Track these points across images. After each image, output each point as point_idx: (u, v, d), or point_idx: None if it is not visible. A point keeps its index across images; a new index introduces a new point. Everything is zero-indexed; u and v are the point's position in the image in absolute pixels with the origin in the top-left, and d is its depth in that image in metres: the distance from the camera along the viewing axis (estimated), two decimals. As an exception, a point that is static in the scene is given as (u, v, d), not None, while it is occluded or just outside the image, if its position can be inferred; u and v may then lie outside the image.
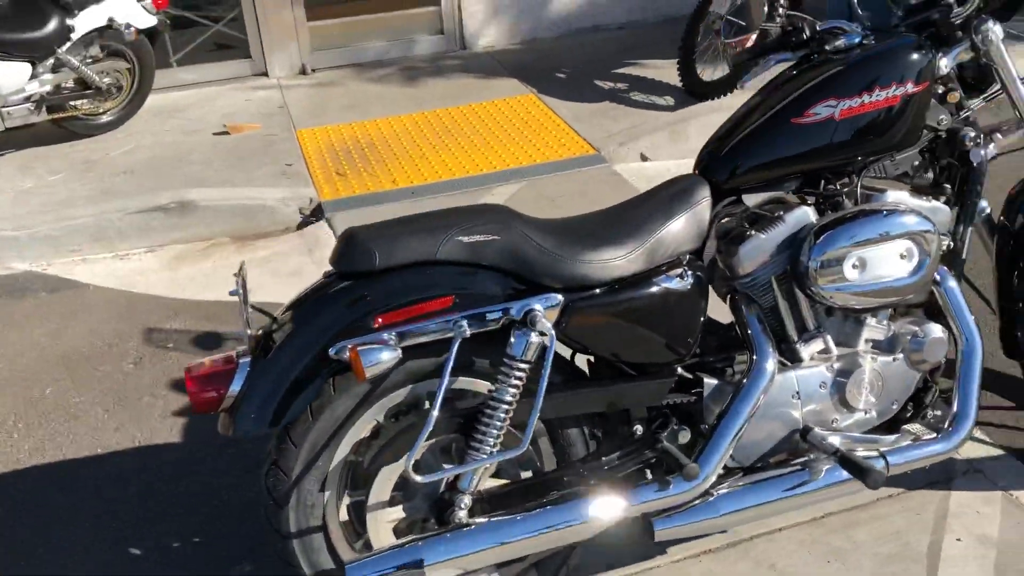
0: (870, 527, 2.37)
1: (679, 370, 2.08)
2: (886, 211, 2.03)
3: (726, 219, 2.11)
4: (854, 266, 2.00)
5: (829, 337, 2.13)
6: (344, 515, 2.01)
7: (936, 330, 2.15)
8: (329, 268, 1.93)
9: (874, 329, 2.16)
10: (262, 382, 1.82)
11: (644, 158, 4.68)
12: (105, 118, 5.19)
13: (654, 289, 1.96)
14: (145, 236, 4.21)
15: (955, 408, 2.16)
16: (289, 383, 1.82)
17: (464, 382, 1.95)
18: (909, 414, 2.25)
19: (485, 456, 1.88)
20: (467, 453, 1.90)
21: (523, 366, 1.86)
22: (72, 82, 4.96)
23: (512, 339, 1.86)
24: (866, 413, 2.16)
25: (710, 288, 2.10)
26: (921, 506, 2.42)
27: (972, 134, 2.17)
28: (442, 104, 5.37)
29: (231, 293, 1.87)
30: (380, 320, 1.83)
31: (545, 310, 1.88)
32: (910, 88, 2.04)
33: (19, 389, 3.22)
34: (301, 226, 4.34)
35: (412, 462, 1.80)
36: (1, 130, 4.71)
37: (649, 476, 2.04)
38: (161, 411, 3.05)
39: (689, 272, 2.00)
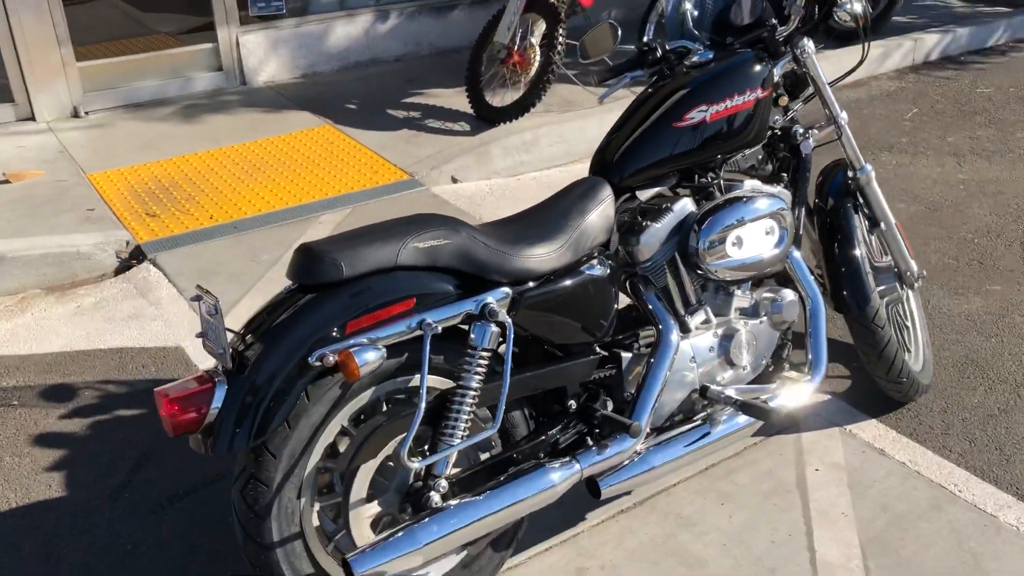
0: (747, 471, 2.76)
1: (598, 349, 2.35)
2: (750, 196, 2.42)
3: (623, 214, 2.42)
4: (734, 244, 2.38)
5: (708, 308, 2.49)
6: (316, 520, 2.08)
7: (790, 294, 2.58)
8: (289, 283, 2.01)
9: (741, 299, 2.55)
10: (242, 398, 1.87)
11: (455, 180, 4.94)
12: None
13: (581, 278, 2.22)
14: (-54, 295, 3.88)
15: (811, 354, 2.60)
16: (270, 396, 1.89)
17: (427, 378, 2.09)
18: (771, 368, 2.67)
19: (459, 440, 2.04)
20: (440, 441, 2.05)
21: (486, 355, 2.05)
22: None
23: (472, 332, 2.05)
24: (744, 370, 2.55)
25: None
26: (781, 448, 2.85)
27: (801, 131, 2.63)
28: (238, 139, 5.34)
29: (205, 312, 1.88)
30: (350, 327, 1.94)
31: (498, 303, 2.08)
32: (760, 93, 2.45)
33: None
34: (119, 271, 4.18)
35: (406, 449, 1.93)
36: None
37: (590, 443, 2.28)
38: (30, 469, 2.88)
39: (603, 261, 2.28)
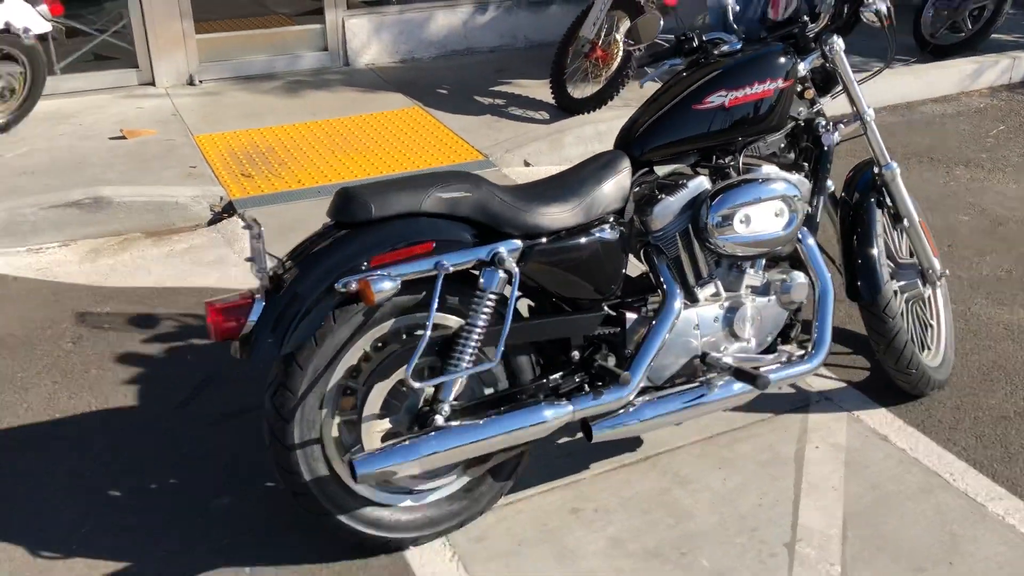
0: (749, 443, 2.92)
1: (606, 308, 2.56)
2: (764, 179, 2.59)
3: (641, 186, 2.63)
4: (741, 221, 2.56)
5: (719, 283, 2.67)
6: (336, 432, 2.36)
7: (800, 276, 2.74)
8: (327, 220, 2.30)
9: (752, 277, 2.72)
10: (277, 313, 2.17)
11: (527, 163, 5.20)
12: (-4, 121, 5.24)
13: (590, 238, 2.44)
14: (59, 231, 4.35)
15: (815, 336, 2.75)
16: (299, 314, 2.18)
17: (437, 317, 2.36)
18: (779, 344, 2.83)
19: (464, 369, 2.29)
20: (447, 368, 2.31)
21: (493, 297, 2.30)
22: (-36, 84, 5.01)
23: (482, 277, 2.29)
24: (748, 342, 2.72)
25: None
26: (787, 426, 3.00)
27: (823, 123, 2.79)
28: (334, 115, 5.73)
29: (252, 236, 2.18)
30: (374, 261, 2.22)
31: (508, 253, 2.32)
32: (780, 83, 2.62)
33: (-40, 368, 3.35)
34: (212, 222, 4.59)
35: (411, 371, 2.19)
36: None
37: (587, 389, 2.50)
38: (112, 381, 3.27)
39: (615, 226, 2.49)
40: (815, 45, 2.75)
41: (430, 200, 2.27)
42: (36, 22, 5.15)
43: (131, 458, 2.88)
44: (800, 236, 2.76)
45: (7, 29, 4.98)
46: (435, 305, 2.22)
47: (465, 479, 2.50)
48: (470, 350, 2.30)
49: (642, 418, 2.51)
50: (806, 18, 2.74)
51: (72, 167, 4.86)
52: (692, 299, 2.64)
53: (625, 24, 5.63)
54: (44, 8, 5.22)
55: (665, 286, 2.57)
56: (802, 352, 2.75)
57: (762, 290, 2.74)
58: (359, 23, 6.57)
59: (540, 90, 6.06)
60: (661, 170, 2.64)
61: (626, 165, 2.55)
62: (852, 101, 2.87)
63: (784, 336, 2.83)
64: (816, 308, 2.77)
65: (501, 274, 2.29)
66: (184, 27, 6.13)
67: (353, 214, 2.24)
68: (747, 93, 2.59)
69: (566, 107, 5.77)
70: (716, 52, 2.72)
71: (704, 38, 2.81)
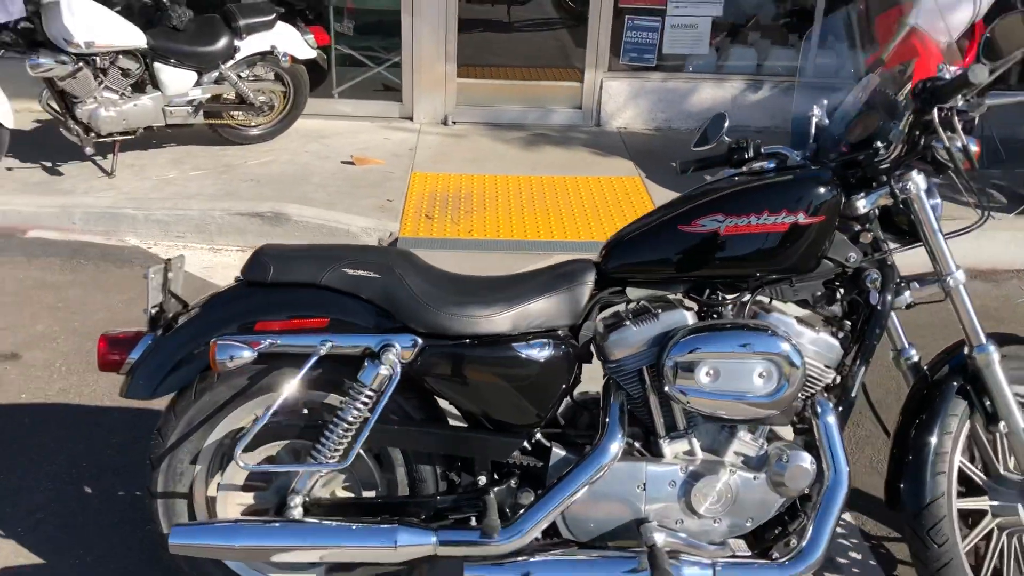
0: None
1: (537, 435, 2.22)
2: (753, 329, 2.09)
3: (614, 307, 2.24)
4: (708, 374, 2.08)
5: (696, 440, 2.20)
6: (212, 491, 2.27)
7: (803, 458, 2.17)
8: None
9: (745, 444, 2.21)
10: (155, 356, 2.13)
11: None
12: (255, 131, 5.83)
13: (507, 353, 2.12)
14: (240, 236, 4.73)
15: (803, 542, 2.15)
16: (175, 362, 2.12)
17: (333, 398, 2.18)
18: (769, 537, 2.26)
19: (315, 463, 2.10)
20: (305, 458, 2.13)
21: (369, 393, 2.08)
22: (232, 95, 5.62)
23: (364, 367, 2.08)
24: (714, 522, 2.20)
25: (581, 366, 2.23)
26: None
27: (875, 276, 2.19)
28: (552, 172, 5.65)
29: (144, 276, 2.18)
30: (259, 325, 2.10)
31: (403, 349, 2.09)
32: (801, 218, 2.10)
33: (80, 340, 3.73)
34: (377, 256, 4.71)
35: (241, 449, 2.05)
36: (162, 124, 5.40)
37: (473, 523, 2.17)
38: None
39: (552, 345, 2.15)
40: (886, 179, 2.18)
41: (333, 275, 2.12)
42: (301, 49, 5.67)
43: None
44: (819, 410, 2.19)
45: (272, 51, 5.53)
46: (293, 384, 2.06)
47: (325, 581, 2.29)
48: (333, 443, 2.10)
49: None
50: (879, 144, 2.18)
51: (291, 181, 5.26)
52: (655, 452, 2.21)
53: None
54: (311, 37, 5.73)
55: (606, 424, 2.16)
56: (781, 556, 2.18)
57: (754, 463, 2.22)
58: (617, 86, 6.44)
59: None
60: (632, 292, 2.23)
61: (589, 278, 2.19)
62: (932, 256, 2.23)
63: (775, 525, 2.26)
64: (817, 504, 2.18)
65: (383, 370, 2.07)
66: (447, 70, 6.41)
67: (252, 273, 2.15)
68: (750, 223, 2.11)
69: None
70: (746, 168, 2.26)
71: (762, 151, 2.34)
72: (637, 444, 2.25)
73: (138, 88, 5.27)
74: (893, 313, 2.31)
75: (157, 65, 5.24)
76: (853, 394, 2.24)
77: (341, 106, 6.53)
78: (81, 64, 4.94)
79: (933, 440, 2.23)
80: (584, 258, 2.27)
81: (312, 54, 5.75)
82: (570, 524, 2.19)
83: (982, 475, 2.34)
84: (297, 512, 2.15)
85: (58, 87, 4.99)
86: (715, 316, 2.20)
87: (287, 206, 4.82)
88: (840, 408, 2.24)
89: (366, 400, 2.09)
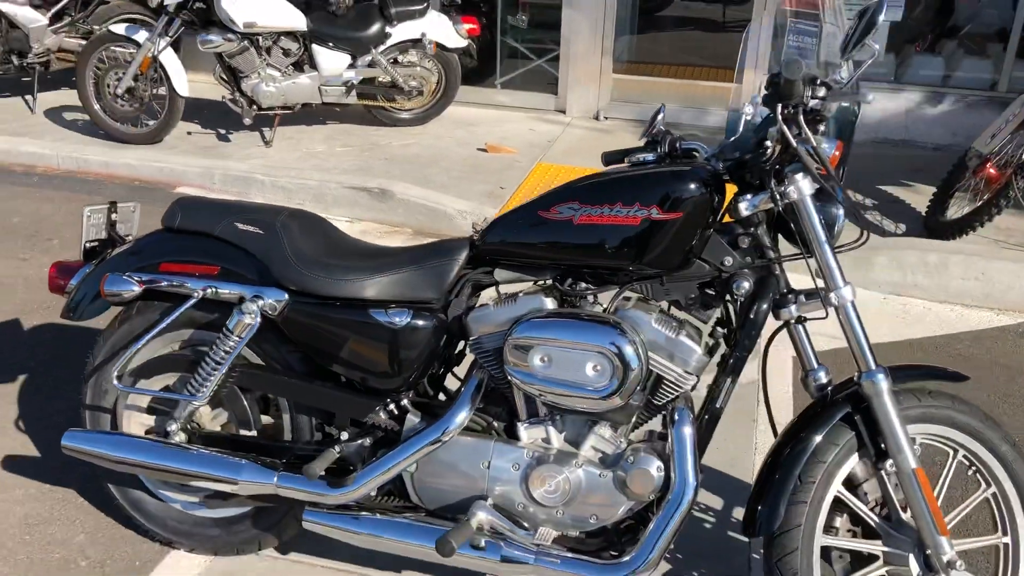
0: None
1: (404, 401, 2.28)
2: (596, 322, 2.04)
3: (484, 286, 2.26)
4: (541, 359, 2.05)
5: (553, 429, 2.17)
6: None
7: (649, 463, 2.08)
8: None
9: (603, 441, 2.15)
10: (84, 285, 2.43)
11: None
12: (406, 115, 6.18)
13: (363, 318, 2.20)
14: (350, 208, 5.07)
15: (635, 549, 2.06)
16: (96, 292, 2.41)
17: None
18: (626, 538, 2.19)
19: (182, 395, 2.31)
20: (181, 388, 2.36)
21: (235, 338, 2.25)
22: (386, 78, 6.00)
23: (231, 314, 2.26)
24: (557, 512, 2.16)
25: (456, 342, 2.28)
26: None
27: (744, 284, 2.05)
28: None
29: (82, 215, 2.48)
30: (163, 266, 2.34)
31: (272, 301, 2.24)
32: (654, 213, 2.01)
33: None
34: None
35: (116, 371, 2.29)
36: (319, 102, 5.88)
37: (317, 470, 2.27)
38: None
39: (411, 315, 2.20)
40: (769, 181, 2.02)
41: (225, 228, 2.31)
42: (451, 37, 5.93)
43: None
44: (675, 417, 2.09)
45: (422, 39, 5.83)
46: (166, 322, 2.27)
47: (228, 511, 2.48)
48: (201, 379, 2.29)
49: (357, 530, 2.20)
50: (769, 143, 2.03)
51: (422, 163, 5.54)
52: (512, 435, 2.21)
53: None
54: (462, 27, 5.97)
55: (459, 397, 2.19)
56: (610, 558, 2.09)
57: (610, 461, 2.15)
58: (776, 90, 6.14)
59: (918, 198, 5.08)
60: (499, 274, 2.22)
61: (461, 256, 2.22)
62: (818, 268, 2.03)
63: (634, 530, 2.18)
64: (655, 512, 2.08)
65: (246, 319, 2.23)
66: (603, 64, 6.43)
67: (168, 221, 2.39)
68: (603, 215, 2.04)
69: (929, 226, 4.76)
70: (629, 160, 2.18)
71: (678, 146, 2.24)
72: (498, 424, 2.25)
73: (298, 67, 5.77)
74: (803, 330, 2.14)
75: (315, 47, 5.71)
76: (718, 404, 2.11)
77: (501, 96, 6.74)
78: (246, 42, 5.50)
79: (799, 466, 2.05)
80: (463, 236, 2.30)
81: (462, 43, 5.99)
82: (419, 490, 2.25)
83: (875, 517, 2.11)
84: (178, 438, 2.36)
85: (227, 62, 5.59)
86: (573, 305, 2.15)
87: (395, 184, 5.09)
88: (707, 417, 2.12)
89: (231, 345, 2.26)
